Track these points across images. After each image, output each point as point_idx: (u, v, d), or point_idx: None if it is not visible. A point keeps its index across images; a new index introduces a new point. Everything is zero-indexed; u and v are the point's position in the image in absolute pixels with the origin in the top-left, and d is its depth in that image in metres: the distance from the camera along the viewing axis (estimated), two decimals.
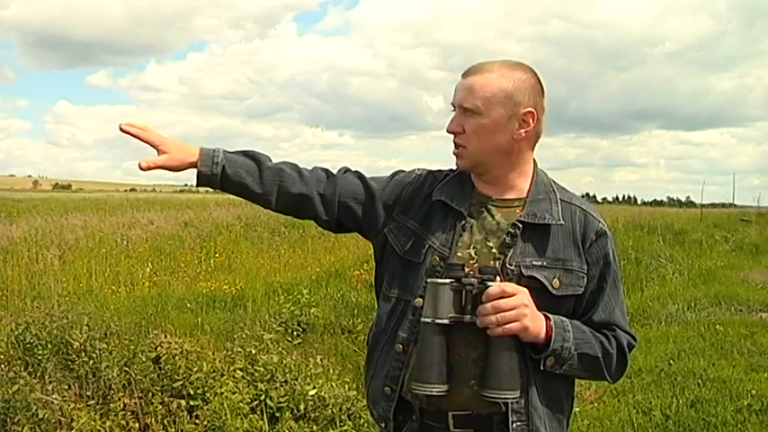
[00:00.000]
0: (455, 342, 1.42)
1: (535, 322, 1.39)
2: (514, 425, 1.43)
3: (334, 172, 1.61)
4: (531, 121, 1.48)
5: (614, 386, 4.64)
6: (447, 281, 1.40)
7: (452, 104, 1.51)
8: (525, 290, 1.39)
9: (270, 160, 1.56)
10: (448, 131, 1.50)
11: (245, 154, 1.54)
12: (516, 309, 1.36)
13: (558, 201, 1.52)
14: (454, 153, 1.52)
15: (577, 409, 4.17)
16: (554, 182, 1.57)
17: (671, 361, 5.39)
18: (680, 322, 6.94)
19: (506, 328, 1.36)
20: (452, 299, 1.39)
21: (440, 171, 1.62)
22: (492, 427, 1.46)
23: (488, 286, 1.38)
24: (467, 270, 1.42)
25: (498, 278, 1.41)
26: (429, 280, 1.42)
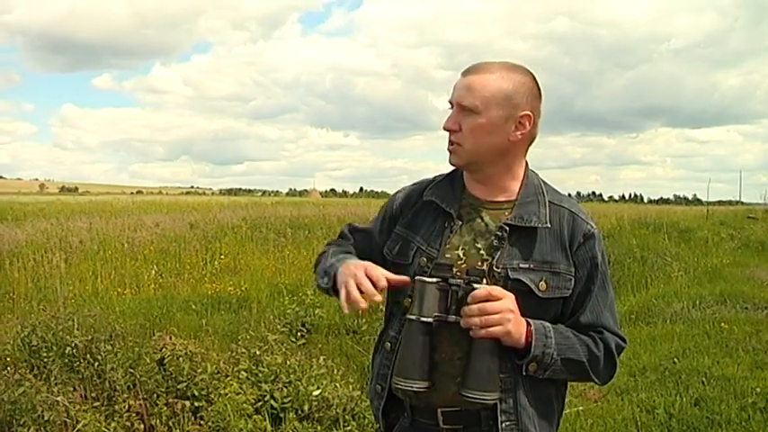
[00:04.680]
0: (441, 340, 1.44)
1: (518, 327, 1.40)
2: (503, 425, 1.45)
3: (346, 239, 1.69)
4: (527, 123, 1.49)
5: (618, 385, 4.64)
6: (434, 280, 1.41)
7: (450, 102, 1.52)
8: (512, 295, 1.40)
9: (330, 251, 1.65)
10: (444, 128, 1.52)
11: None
12: (501, 313, 1.37)
13: (547, 203, 1.53)
14: (449, 149, 1.54)
15: (581, 408, 4.17)
16: (544, 183, 1.58)
17: (675, 359, 5.38)
18: (685, 320, 6.91)
19: (489, 331, 1.37)
20: (438, 298, 1.40)
21: (421, 181, 1.67)
22: (480, 423, 1.47)
23: (474, 288, 1.39)
24: (455, 271, 1.43)
25: (485, 281, 1.42)
26: (417, 278, 1.43)
